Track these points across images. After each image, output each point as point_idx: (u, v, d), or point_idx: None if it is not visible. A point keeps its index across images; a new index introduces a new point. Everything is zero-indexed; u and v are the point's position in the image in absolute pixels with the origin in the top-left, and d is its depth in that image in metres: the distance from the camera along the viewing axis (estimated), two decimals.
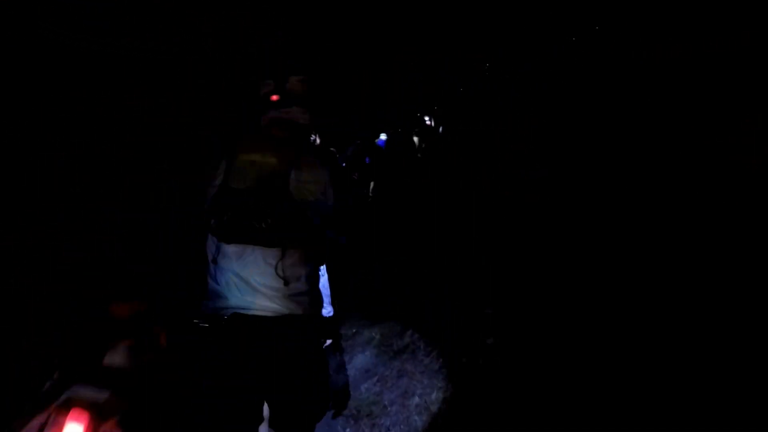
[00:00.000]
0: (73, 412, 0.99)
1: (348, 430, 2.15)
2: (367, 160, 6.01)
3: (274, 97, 1.35)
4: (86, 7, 2.49)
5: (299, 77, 1.38)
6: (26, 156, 2.14)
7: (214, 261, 1.29)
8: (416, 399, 2.24)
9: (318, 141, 1.65)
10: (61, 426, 0.98)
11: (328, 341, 2.18)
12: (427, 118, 8.02)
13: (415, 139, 7.41)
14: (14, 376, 1.69)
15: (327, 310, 2.38)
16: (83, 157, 2.32)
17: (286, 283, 1.24)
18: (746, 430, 1.97)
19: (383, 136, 7.95)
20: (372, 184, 5.73)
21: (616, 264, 3.94)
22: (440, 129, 8.02)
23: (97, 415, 1.00)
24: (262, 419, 1.32)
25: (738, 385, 2.21)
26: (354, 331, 2.98)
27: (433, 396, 2.27)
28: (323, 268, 2.42)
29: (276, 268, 1.23)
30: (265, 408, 1.35)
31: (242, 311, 1.25)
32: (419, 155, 7.35)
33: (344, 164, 5.37)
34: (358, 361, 2.63)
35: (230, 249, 1.26)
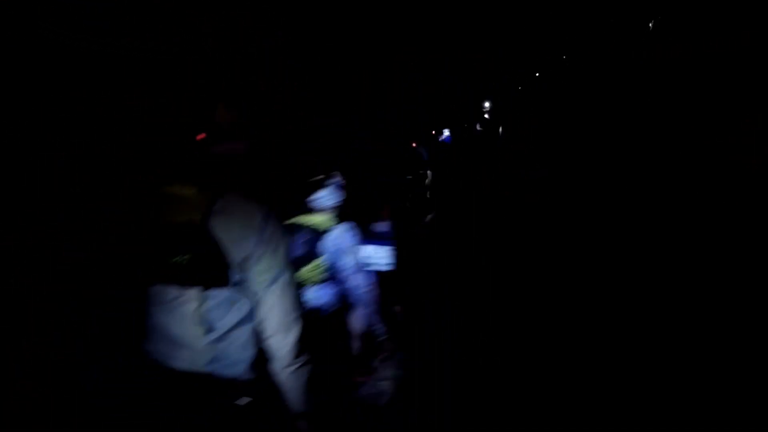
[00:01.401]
0: None
1: None
2: (425, 156, 5.99)
3: (200, 136, 1.20)
4: (86, 7, 2.48)
5: (229, 103, 1.23)
6: (26, 156, 2.13)
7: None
8: None
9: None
10: None
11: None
12: (486, 115, 8.17)
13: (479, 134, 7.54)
14: (14, 376, 1.69)
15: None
16: (83, 157, 2.32)
17: (208, 331, 1.11)
18: (746, 430, 1.97)
19: (447, 132, 8.01)
20: (428, 180, 5.64)
21: (616, 263, 3.94)
22: (500, 126, 8.14)
23: None
24: None
25: (738, 385, 2.21)
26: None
27: None
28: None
29: (195, 313, 1.10)
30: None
31: (165, 363, 1.14)
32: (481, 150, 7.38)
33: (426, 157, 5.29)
34: None
35: (152, 291, 1.15)
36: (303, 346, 1.17)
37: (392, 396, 2.50)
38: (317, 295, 2.19)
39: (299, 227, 2.18)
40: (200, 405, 1.12)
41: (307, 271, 2.14)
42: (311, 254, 2.12)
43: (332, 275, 2.20)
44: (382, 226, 2.65)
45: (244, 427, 1.14)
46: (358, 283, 2.20)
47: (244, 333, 1.14)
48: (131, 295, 1.20)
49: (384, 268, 2.53)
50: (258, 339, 1.16)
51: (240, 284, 1.13)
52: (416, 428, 2.23)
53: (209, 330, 1.11)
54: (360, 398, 2.49)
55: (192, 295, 1.11)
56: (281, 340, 1.14)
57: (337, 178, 2.27)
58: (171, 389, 1.12)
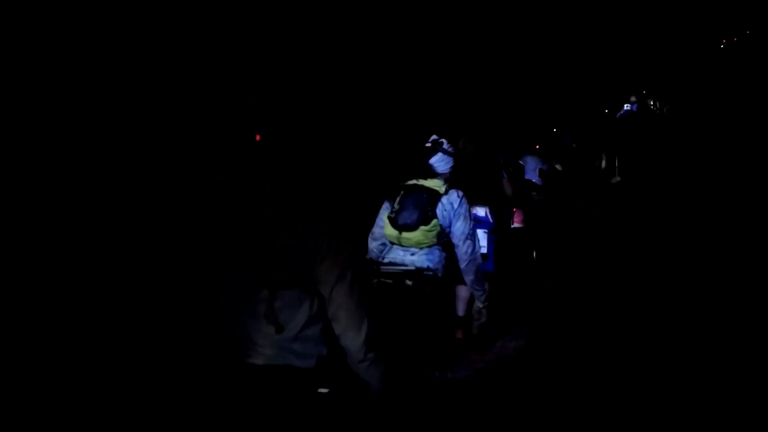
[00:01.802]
0: None
1: None
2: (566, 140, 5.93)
3: (258, 137, 1.21)
4: (86, 6, 2.49)
5: (282, 100, 1.26)
6: (26, 156, 2.14)
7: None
8: None
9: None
10: None
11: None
12: (651, 102, 8.10)
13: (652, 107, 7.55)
14: (14, 376, 1.70)
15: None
16: (83, 156, 2.32)
17: (279, 330, 1.14)
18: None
19: (627, 107, 7.84)
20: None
21: (616, 263, 3.95)
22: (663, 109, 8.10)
23: None
24: None
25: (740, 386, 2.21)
26: None
27: None
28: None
29: (266, 312, 1.13)
30: None
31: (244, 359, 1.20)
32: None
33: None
34: None
35: (224, 292, 1.20)
36: (376, 340, 1.18)
37: (483, 377, 2.43)
38: (427, 258, 2.23)
39: (414, 189, 2.23)
40: (280, 396, 1.15)
41: (420, 232, 2.18)
42: (425, 217, 2.18)
43: (443, 238, 2.23)
44: (480, 210, 2.68)
45: (325, 415, 1.17)
46: (469, 249, 2.24)
47: (315, 330, 1.16)
48: (206, 296, 1.24)
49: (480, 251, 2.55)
50: (331, 335, 1.17)
51: (307, 283, 1.15)
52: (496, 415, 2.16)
53: (281, 329, 1.13)
54: (449, 378, 2.44)
55: (262, 296, 1.13)
56: (353, 337, 1.16)
57: (446, 145, 2.30)
58: (251, 382, 1.16)
